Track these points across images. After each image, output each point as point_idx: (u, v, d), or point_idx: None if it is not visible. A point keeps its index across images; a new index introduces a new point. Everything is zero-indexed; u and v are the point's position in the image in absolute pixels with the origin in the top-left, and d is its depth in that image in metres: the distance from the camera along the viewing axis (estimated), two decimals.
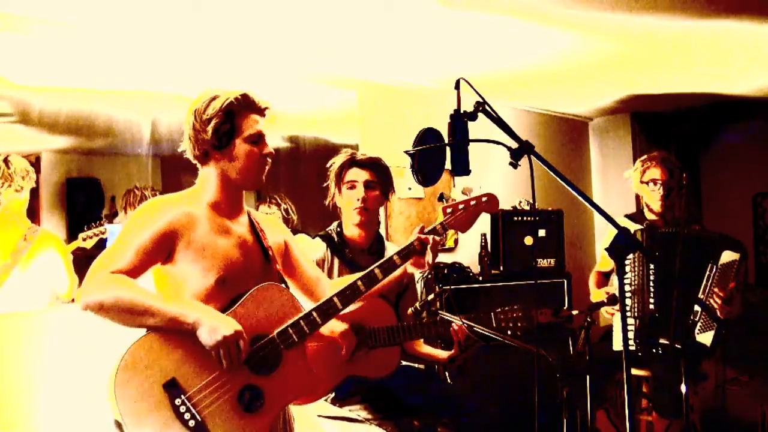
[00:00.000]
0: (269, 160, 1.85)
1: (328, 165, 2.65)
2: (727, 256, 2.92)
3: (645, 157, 3.32)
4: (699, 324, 2.91)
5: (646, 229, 3.08)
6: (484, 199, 2.13)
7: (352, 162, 2.59)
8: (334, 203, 2.65)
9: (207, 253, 1.73)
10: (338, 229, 2.62)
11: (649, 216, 3.25)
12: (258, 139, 1.82)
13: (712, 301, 2.88)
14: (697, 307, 2.92)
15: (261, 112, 1.84)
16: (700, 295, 2.92)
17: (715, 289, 2.88)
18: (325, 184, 2.66)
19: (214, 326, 1.61)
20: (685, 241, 2.85)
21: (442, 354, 2.63)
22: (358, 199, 2.53)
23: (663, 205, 3.19)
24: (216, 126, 1.76)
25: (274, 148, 1.87)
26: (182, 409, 1.59)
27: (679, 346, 2.80)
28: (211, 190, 1.82)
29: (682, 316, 2.89)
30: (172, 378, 1.60)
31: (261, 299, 1.76)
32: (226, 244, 1.78)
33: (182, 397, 1.60)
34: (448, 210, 2.11)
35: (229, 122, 1.78)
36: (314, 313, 1.81)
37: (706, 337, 2.90)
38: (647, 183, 3.23)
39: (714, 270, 2.92)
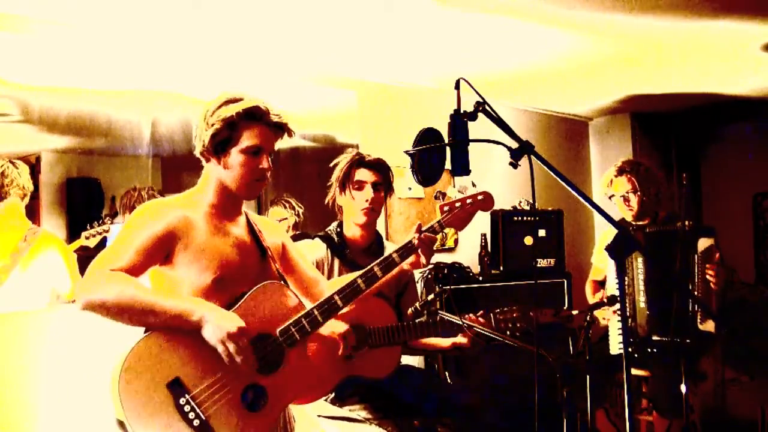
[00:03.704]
0: (267, 175, 1.82)
1: (332, 164, 2.64)
2: (704, 243, 2.96)
3: (610, 169, 3.30)
4: (699, 315, 2.94)
5: (634, 231, 3.08)
6: (480, 197, 2.13)
7: (360, 162, 2.58)
8: (334, 202, 2.64)
9: (204, 255, 1.73)
10: (338, 230, 2.61)
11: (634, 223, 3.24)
12: (257, 151, 1.79)
13: (706, 283, 2.92)
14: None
15: (270, 125, 1.81)
16: (692, 287, 2.95)
17: (703, 273, 2.92)
18: (329, 183, 2.65)
19: (219, 323, 1.61)
20: (664, 238, 2.86)
21: (444, 342, 2.60)
22: (366, 200, 2.52)
23: (635, 215, 3.18)
24: (215, 133, 1.76)
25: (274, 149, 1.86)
26: (186, 408, 1.59)
27: (678, 341, 2.82)
28: (209, 192, 1.83)
29: (680, 311, 2.90)
30: (176, 377, 1.60)
31: (262, 298, 1.76)
32: (223, 245, 1.78)
33: (186, 396, 1.60)
34: (445, 208, 2.11)
35: (229, 131, 1.76)
36: (315, 311, 1.82)
37: (708, 326, 2.93)
38: (613, 196, 3.23)
39: (697, 260, 2.95)
